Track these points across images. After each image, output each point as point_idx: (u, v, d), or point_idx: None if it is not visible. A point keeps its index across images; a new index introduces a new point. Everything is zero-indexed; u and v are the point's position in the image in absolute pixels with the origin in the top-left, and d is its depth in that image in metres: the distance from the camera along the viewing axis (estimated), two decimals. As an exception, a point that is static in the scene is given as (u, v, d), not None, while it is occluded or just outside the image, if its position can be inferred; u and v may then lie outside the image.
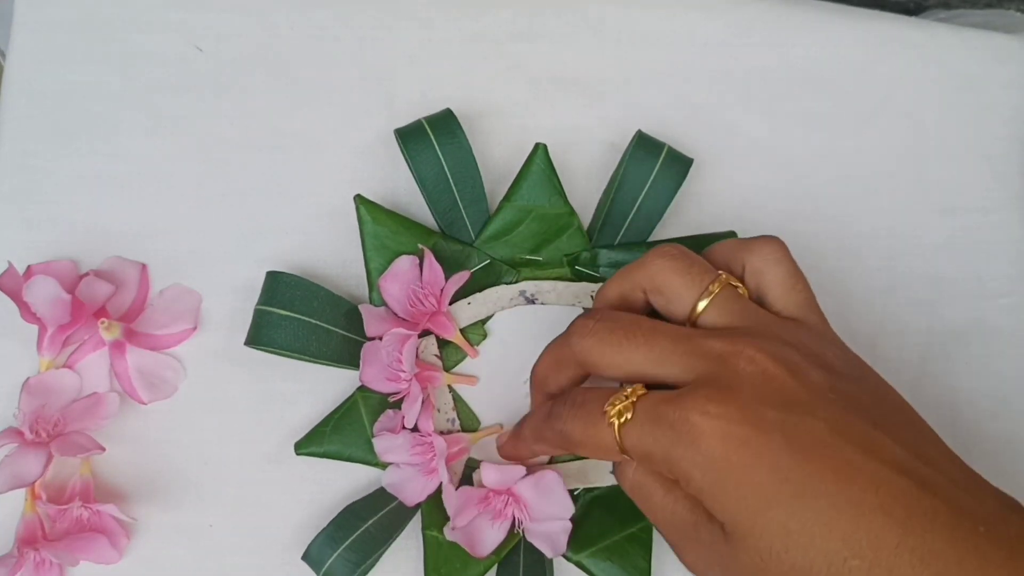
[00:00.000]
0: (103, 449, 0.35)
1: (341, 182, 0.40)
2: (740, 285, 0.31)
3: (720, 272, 0.31)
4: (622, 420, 0.28)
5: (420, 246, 0.38)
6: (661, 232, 0.40)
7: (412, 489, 0.36)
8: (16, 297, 0.37)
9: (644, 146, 0.40)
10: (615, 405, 0.28)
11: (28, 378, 0.37)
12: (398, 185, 0.40)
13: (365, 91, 0.41)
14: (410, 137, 0.39)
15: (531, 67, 0.42)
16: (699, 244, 0.39)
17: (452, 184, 0.39)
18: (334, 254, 0.40)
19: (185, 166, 0.40)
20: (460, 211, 0.39)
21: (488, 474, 0.36)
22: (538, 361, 0.34)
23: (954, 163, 0.44)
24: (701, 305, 0.30)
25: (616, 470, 0.32)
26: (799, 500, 0.25)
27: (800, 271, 0.32)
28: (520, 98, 0.42)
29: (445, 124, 0.39)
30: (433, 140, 0.39)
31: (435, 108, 0.40)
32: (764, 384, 0.27)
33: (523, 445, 0.34)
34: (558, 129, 0.41)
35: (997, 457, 0.42)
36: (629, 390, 0.29)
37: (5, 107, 0.40)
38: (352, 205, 0.38)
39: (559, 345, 0.32)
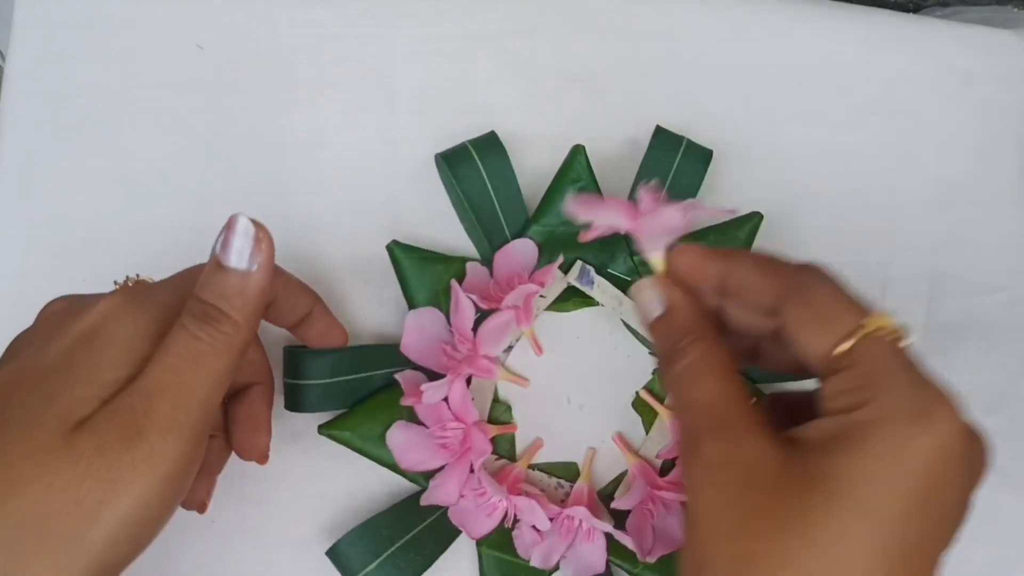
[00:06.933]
0: None
1: (341, 181, 0.40)
2: None
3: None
4: (896, 335, 0.25)
5: (452, 281, 0.37)
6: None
7: (475, 525, 0.36)
8: None
9: (664, 141, 0.40)
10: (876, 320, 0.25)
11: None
12: (398, 184, 0.40)
13: (365, 90, 0.41)
14: (455, 160, 0.38)
15: (531, 64, 0.42)
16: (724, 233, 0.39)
17: (497, 206, 0.39)
18: (335, 253, 0.40)
19: (186, 164, 0.40)
20: (505, 235, 0.39)
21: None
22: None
23: (952, 159, 0.44)
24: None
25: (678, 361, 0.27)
26: None
27: None
28: (520, 96, 0.42)
29: (490, 147, 0.39)
30: (479, 163, 0.38)
31: (435, 106, 0.40)
32: None
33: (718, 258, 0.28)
34: (558, 126, 0.41)
35: (995, 453, 0.42)
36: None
37: (5, 107, 0.40)
38: (352, 204, 0.38)
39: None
